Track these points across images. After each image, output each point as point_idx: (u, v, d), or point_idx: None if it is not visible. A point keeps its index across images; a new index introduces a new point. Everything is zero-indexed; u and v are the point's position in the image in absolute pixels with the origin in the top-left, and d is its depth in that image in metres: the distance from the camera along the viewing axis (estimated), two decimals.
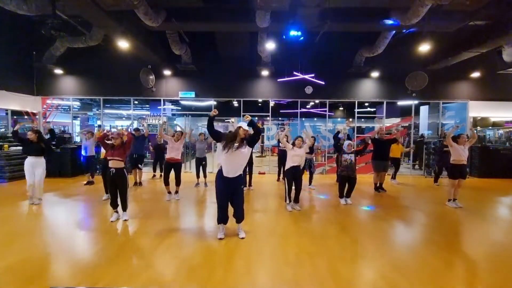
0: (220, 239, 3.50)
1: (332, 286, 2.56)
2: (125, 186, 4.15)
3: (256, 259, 3.08)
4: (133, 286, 2.50)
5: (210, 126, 3.41)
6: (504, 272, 2.90)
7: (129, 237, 3.73)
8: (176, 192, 5.59)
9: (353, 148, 5.31)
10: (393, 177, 7.86)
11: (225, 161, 3.38)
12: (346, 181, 5.28)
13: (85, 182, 6.87)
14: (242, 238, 3.55)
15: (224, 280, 2.62)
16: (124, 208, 4.24)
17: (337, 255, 3.17)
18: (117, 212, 4.25)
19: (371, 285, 2.62)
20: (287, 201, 4.95)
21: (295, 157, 4.82)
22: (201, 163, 6.91)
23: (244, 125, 3.45)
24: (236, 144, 3.32)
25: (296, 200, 4.89)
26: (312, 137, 6.26)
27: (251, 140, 3.49)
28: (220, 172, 3.46)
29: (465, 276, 2.85)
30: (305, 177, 6.73)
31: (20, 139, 5.06)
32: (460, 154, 5.14)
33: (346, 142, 5.34)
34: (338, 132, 6.50)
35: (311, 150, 6.52)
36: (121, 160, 4.11)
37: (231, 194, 3.50)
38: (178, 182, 5.54)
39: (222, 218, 3.54)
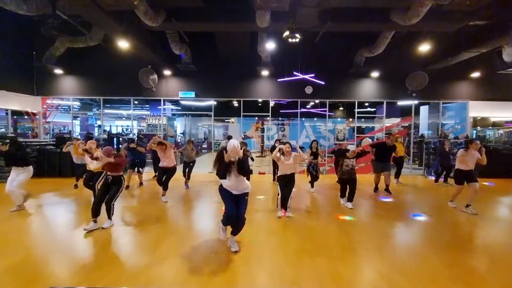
0: (222, 239, 3.38)
1: (332, 286, 2.56)
2: (117, 192, 3.99)
3: (256, 259, 3.08)
4: (133, 286, 2.50)
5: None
6: (504, 272, 2.90)
7: (129, 237, 3.72)
8: (163, 194, 5.54)
9: (355, 153, 5.20)
10: (396, 176, 7.78)
11: (229, 181, 3.23)
12: (347, 184, 5.27)
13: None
14: (236, 251, 3.21)
15: (224, 280, 2.62)
16: (109, 215, 3.98)
17: (337, 255, 3.17)
18: (95, 221, 3.88)
19: (371, 285, 2.62)
20: (278, 207, 4.77)
21: (286, 166, 4.65)
22: (188, 165, 6.89)
23: (234, 143, 3.13)
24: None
25: (284, 207, 4.66)
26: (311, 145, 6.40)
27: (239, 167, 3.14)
28: (221, 185, 3.32)
29: (465, 276, 2.85)
30: (305, 180, 6.74)
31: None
32: (467, 161, 4.97)
33: (350, 147, 5.29)
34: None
35: (315, 155, 6.46)
36: (116, 171, 4.00)
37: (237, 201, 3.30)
38: (165, 187, 5.55)
39: (228, 223, 3.33)
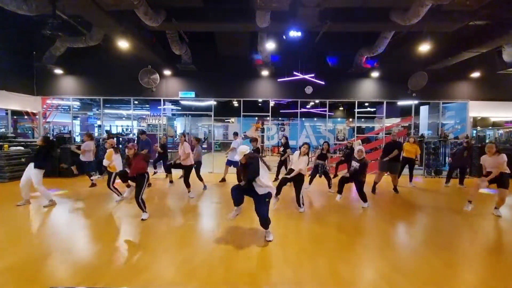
0: (230, 219, 3.69)
1: (332, 286, 2.56)
2: (140, 187, 4.23)
3: (256, 259, 3.08)
4: (133, 286, 2.50)
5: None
6: (504, 271, 2.90)
7: (129, 237, 3.73)
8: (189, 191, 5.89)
9: (363, 155, 5.14)
10: (409, 179, 7.33)
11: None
12: (346, 182, 5.26)
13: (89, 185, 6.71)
14: (269, 241, 3.49)
15: (224, 280, 2.62)
16: (142, 209, 4.29)
17: (337, 255, 3.17)
18: (129, 186, 4.78)
19: (371, 285, 2.62)
20: (275, 199, 4.99)
21: (296, 163, 4.88)
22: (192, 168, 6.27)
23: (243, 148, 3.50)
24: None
25: (298, 203, 4.88)
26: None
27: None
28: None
29: (465, 276, 2.85)
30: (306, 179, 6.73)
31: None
32: (488, 166, 4.79)
33: (357, 148, 5.26)
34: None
35: (324, 156, 6.48)
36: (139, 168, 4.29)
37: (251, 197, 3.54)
38: (186, 184, 5.88)
39: (235, 202, 3.61)
